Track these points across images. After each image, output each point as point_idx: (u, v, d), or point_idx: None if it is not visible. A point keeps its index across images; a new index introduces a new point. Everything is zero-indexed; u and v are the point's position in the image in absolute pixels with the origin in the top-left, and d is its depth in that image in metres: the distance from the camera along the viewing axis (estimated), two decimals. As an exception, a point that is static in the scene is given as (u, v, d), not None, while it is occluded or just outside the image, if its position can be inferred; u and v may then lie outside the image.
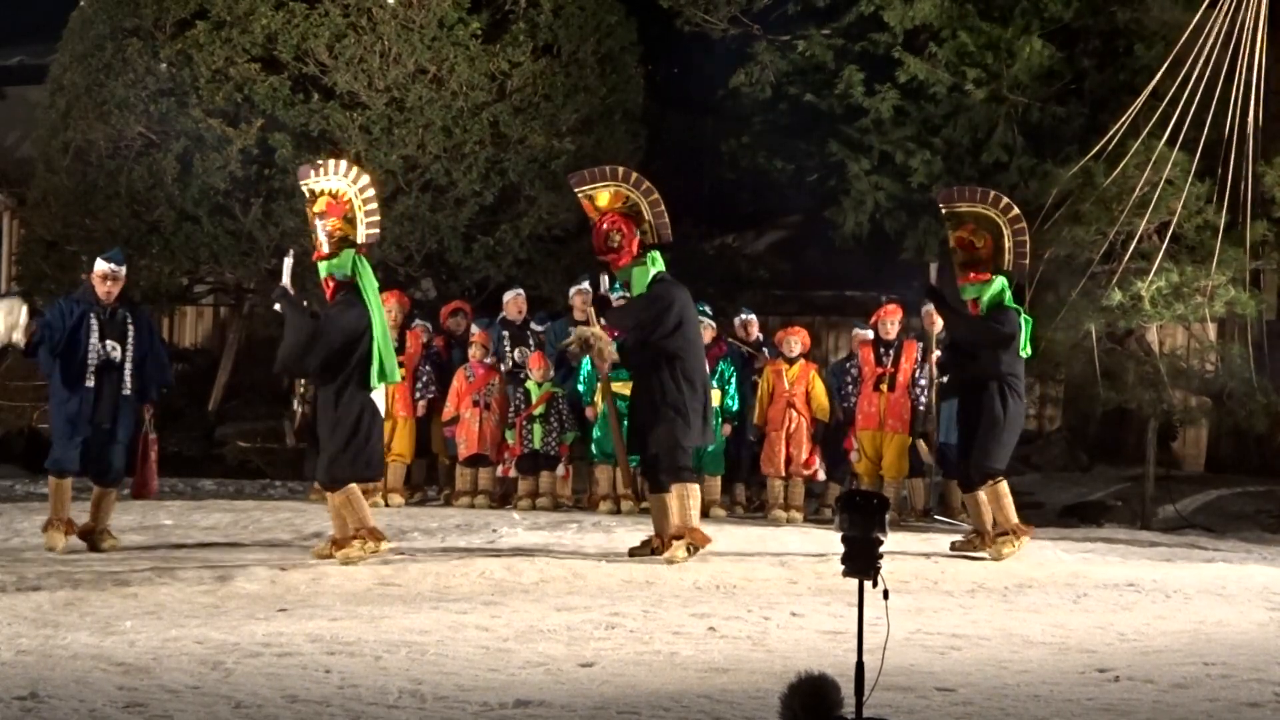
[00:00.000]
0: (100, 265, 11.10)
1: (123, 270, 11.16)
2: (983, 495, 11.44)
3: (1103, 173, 14.14)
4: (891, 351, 13.57)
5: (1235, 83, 13.74)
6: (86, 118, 16.40)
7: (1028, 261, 11.77)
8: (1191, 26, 13.88)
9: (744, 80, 17.60)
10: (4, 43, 22.02)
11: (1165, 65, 13.95)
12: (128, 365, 10.99)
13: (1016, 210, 11.63)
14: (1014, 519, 11.42)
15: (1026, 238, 11.61)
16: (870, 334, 13.83)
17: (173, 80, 16.27)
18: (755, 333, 14.29)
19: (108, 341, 10.94)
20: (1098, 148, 14.21)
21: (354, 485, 10.61)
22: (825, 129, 17.34)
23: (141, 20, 16.43)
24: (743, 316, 14.45)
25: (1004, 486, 11.41)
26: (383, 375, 10.72)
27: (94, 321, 10.92)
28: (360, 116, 16.12)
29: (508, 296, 14.61)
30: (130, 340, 11.02)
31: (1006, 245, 11.44)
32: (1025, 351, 11.53)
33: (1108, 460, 16.97)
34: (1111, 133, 14.07)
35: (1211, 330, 15.38)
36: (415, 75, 16.27)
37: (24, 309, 11.00)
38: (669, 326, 10.81)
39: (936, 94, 16.39)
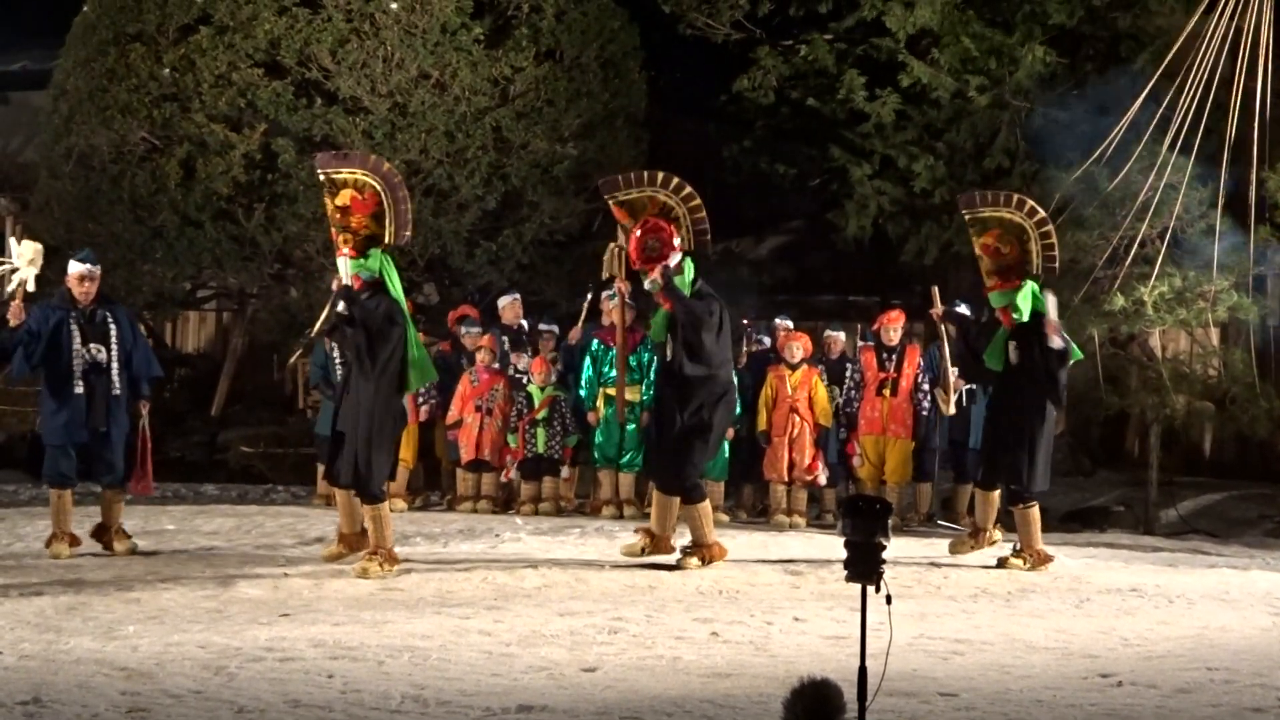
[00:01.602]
0: (75, 267, 10.94)
1: (98, 270, 11.01)
2: (996, 496, 11.46)
3: (1105, 178, 14.14)
4: (894, 357, 13.58)
5: (1234, 87, 13.75)
6: (89, 123, 16.40)
7: (1057, 265, 11.51)
8: (1188, 31, 13.87)
9: (746, 85, 17.61)
10: (7, 48, 22.03)
11: (1165, 70, 13.94)
12: (114, 365, 10.86)
13: (1043, 213, 11.48)
14: (1038, 544, 11.34)
15: (1054, 240, 11.41)
16: (842, 336, 13.99)
17: (175, 85, 16.27)
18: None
19: (91, 345, 10.82)
20: (1098, 152, 14.21)
21: (385, 504, 10.50)
22: (827, 133, 17.34)
23: (144, 25, 16.44)
24: (779, 322, 14.29)
25: (1035, 512, 11.32)
26: (422, 377, 10.64)
27: (73, 326, 10.80)
28: (363, 121, 16.12)
29: (503, 302, 14.59)
30: (114, 339, 10.90)
31: (1034, 249, 11.26)
32: (1077, 355, 11.52)
33: (1110, 465, 16.97)
34: (1112, 137, 14.05)
35: (1214, 335, 15.38)
36: (418, 80, 16.28)
37: (40, 252, 10.66)
38: (718, 338, 10.77)
39: (939, 99, 16.39)
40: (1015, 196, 11.61)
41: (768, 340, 14.14)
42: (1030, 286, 11.24)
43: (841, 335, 14.17)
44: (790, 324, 14.19)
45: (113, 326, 10.94)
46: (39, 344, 10.72)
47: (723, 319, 10.84)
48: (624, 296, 11.81)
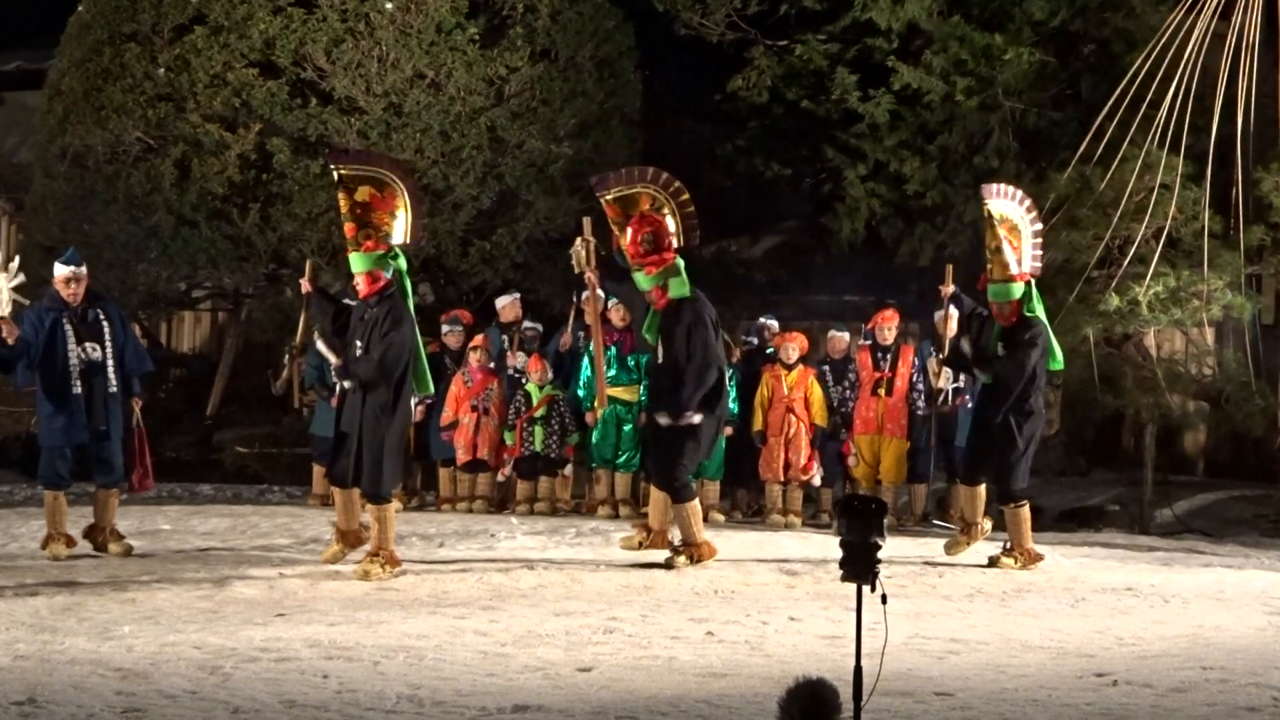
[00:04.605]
0: (60, 269, 10.88)
1: (84, 270, 10.94)
2: (982, 490, 11.47)
3: (1098, 178, 14.15)
4: (889, 356, 13.58)
5: (1219, 86, 13.76)
6: (84, 123, 16.39)
7: (1040, 265, 11.63)
8: (1182, 28, 13.87)
9: (740, 84, 17.61)
10: (2, 48, 22.01)
11: (1158, 69, 13.94)
12: (109, 363, 10.84)
13: (1035, 210, 11.59)
14: (1028, 543, 11.35)
15: (1041, 239, 11.56)
16: (846, 335, 13.93)
17: (170, 85, 16.26)
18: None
19: (86, 344, 10.78)
20: (1083, 150, 14.20)
21: (392, 506, 10.48)
22: (821, 134, 17.34)
23: (139, 25, 16.43)
24: (764, 321, 14.32)
25: (1025, 511, 11.37)
26: (423, 386, 10.64)
27: (67, 326, 10.75)
28: (358, 121, 16.12)
29: (502, 301, 14.60)
30: (107, 337, 10.87)
31: (1027, 246, 11.31)
32: (1057, 364, 11.54)
33: (1106, 465, 16.97)
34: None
35: (1209, 334, 15.39)
36: (413, 80, 16.27)
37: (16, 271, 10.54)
38: (714, 348, 10.80)
39: (931, 101, 16.39)
40: (1020, 192, 11.59)
41: (755, 340, 14.16)
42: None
43: (846, 335, 14.15)
44: (775, 324, 14.22)
45: (105, 324, 10.91)
46: (37, 351, 10.66)
47: (712, 319, 10.87)
48: (594, 286, 11.35)
